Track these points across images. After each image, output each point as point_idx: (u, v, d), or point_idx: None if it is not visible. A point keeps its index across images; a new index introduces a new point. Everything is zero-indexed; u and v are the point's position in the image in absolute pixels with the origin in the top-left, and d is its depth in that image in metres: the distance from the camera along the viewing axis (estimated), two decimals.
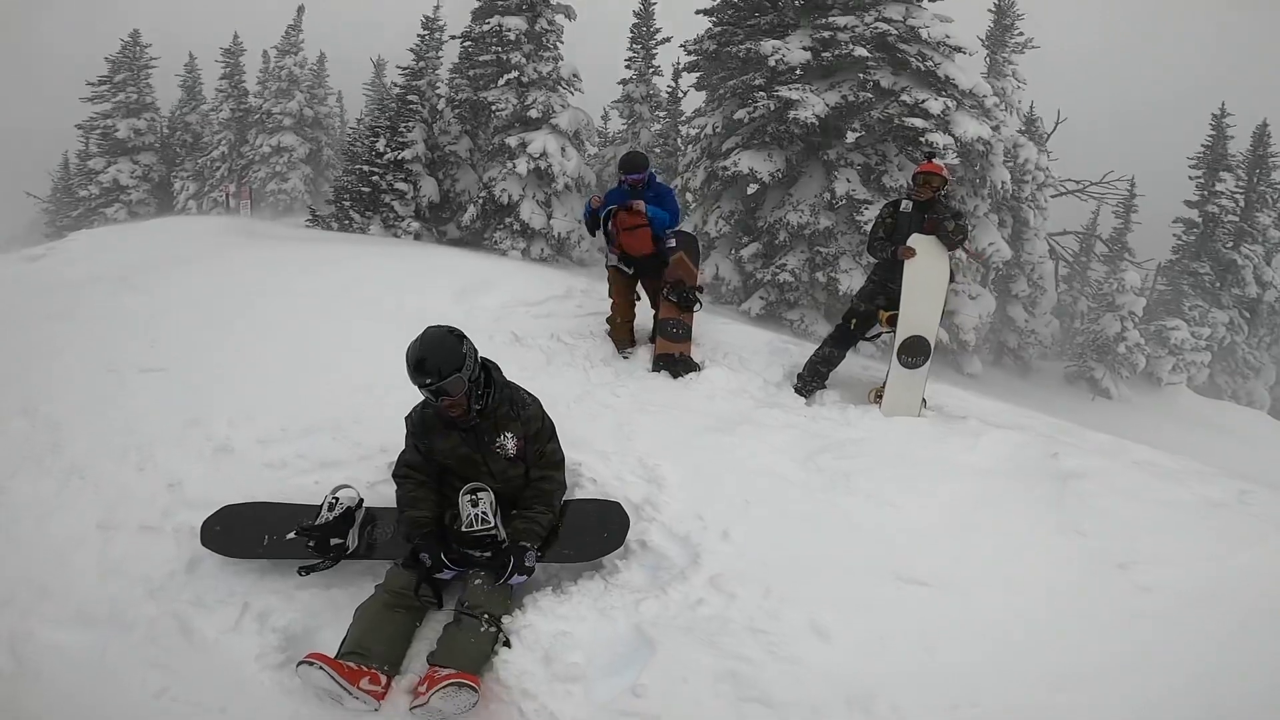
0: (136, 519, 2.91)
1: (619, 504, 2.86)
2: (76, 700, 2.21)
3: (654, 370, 4.50)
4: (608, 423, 3.80)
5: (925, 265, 4.06)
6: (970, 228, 4.07)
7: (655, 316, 4.69)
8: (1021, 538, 3.00)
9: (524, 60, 11.93)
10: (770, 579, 2.63)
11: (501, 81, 12.04)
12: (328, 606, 2.54)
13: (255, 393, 3.81)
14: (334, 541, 2.58)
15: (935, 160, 4.41)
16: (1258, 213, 15.30)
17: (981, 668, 2.33)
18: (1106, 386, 10.38)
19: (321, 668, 2.10)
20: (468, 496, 2.53)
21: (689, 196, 12.46)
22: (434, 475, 2.70)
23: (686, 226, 12.42)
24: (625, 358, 4.76)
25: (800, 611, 2.49)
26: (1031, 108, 13.86)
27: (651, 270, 4.70)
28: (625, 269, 4.68)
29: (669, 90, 16.36)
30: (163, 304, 5.11)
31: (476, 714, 2.19)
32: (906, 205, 4.22)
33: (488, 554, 2.51)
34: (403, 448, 2.73)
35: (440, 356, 2.40)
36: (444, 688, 2.11)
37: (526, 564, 2.49)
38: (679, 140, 14.92)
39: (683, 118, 15.08)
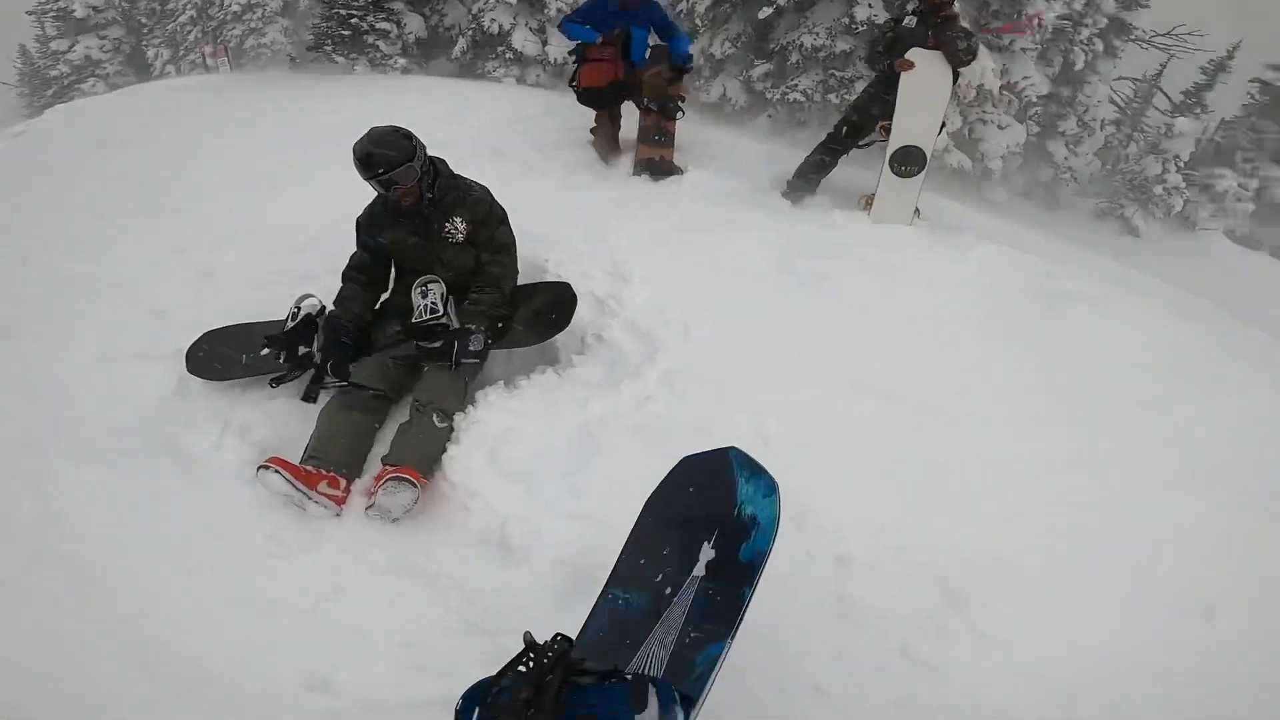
0: (131, 349, 2.92)
1: (567, 284, 2.75)
2: (89, 539, 2.20)
3: (635, 174, 4.29)
4: (581, 222, 3.58)
5: (924, 78, 3.74)
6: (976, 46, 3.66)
7: (639, 124, 4.40)
8: (995, 356, 2.83)
9: None
10: (724, 379, 2.54)
11: None
12: (298, 416, 2.51)
13: (237, 223, 3.83)
14: (301, 350, 2.52)
15: None
16: None
17: (918, 497, 2.22)
18: (1136, 224, 9.85)
19: (278, 471, 2.12)
20: (419, 289, 2.51)
21: (697, 21, 11.32)
22: (381, 275, 2.72)
23: (693, 49, 11.34)
24: (608, 164, 4.55)
25: (748, 416, 2.40)
26: None
27: (614, 97, 4.41)
28: (585, 103, 4.43)
29: None
30: (144, 160, 5.06)
31: (426, 510, 2.23)
32: (910, 20, 3.88)
33: (438, 343, 2.46)
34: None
35: (387, 150, 2.39)
36: (385, 483, 2.13)
37: (472, 347, 2.45)
38: None
39: None
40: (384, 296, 2.78)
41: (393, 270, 2.77)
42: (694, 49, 11.85)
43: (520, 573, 2.05)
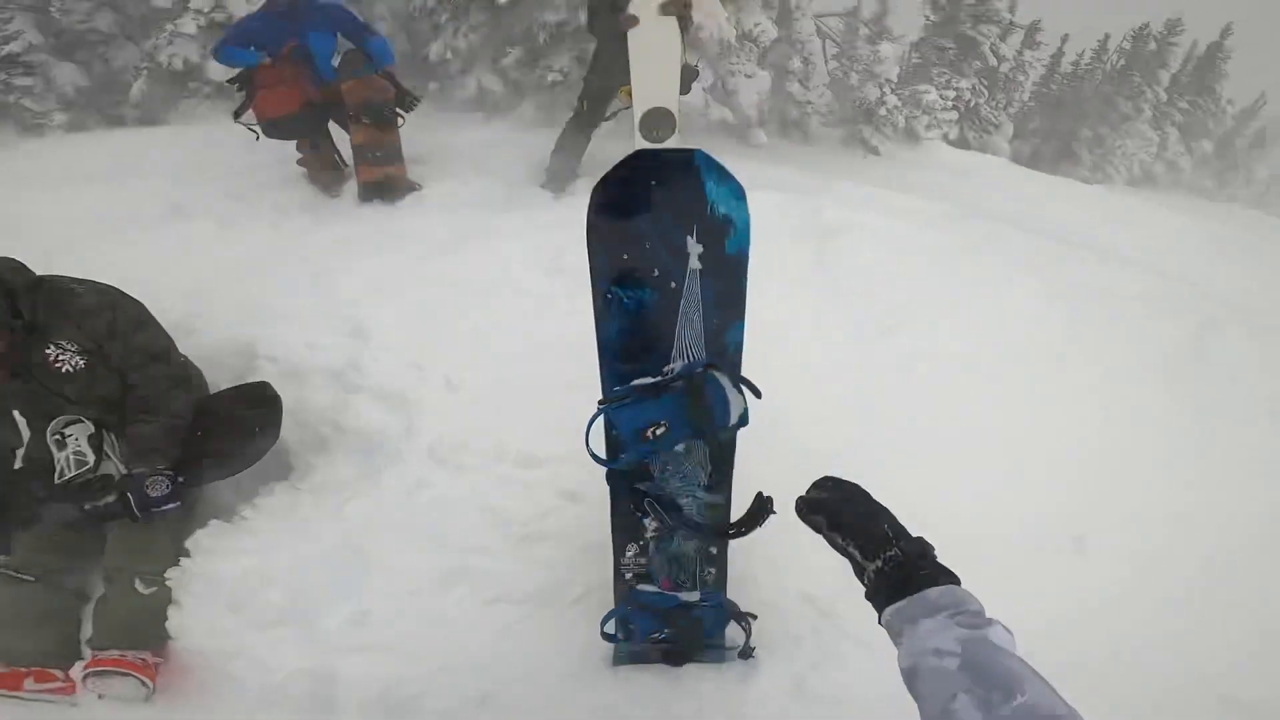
0: None
1: (265, 383, 2.14)
2: None
3: (363, 202, 3.64)
4: (302, 280, 2.93)
5: (651, 34, 3.52)
6: None
7: (351, 143, 3.70)
8: (789, 303, 2.73)
9: None
10: (504, 432, 2.10)
11: None
12: None
13: None
14: None
15: None
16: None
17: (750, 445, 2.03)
18: (875, 145, 10.99)
19: None
20: (54, 438, 1.93)
21: (433, 19, 10.51)
22: (3, 433, 2.01)
23: (437, 46, 10.63)
24: (333, 197, 3.83)
25: (542, 472, 2.02)
26: None
27: (310, 121, 3.67)
28: (276, 136, 3.64)
29: None
30: None
31: (183, 683, 1.81)
32: None
33: (110, 498, 1.91)
34: None
35: None
36: (89, 679, 1.73)
37: (153, 493, 1.89)
38: None
39: None
40: (19, 452, 2.01)
41: (17, 421, 2.00)
42: (437, 45, 11.09)
43: None
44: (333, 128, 3.83)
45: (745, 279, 1.35)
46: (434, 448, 2.07)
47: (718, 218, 1.28)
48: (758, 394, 1.37)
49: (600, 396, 1.38)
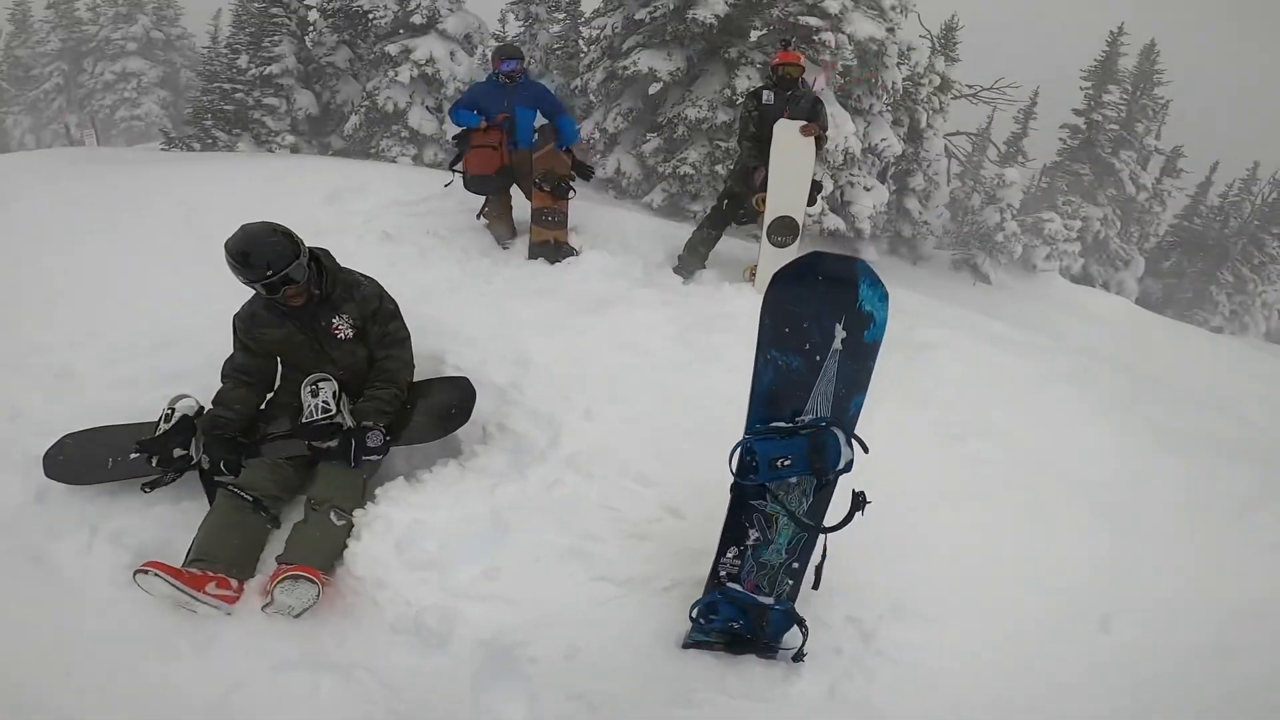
0: None
1: (465, 379, 2.75)
2: None
3: (531, 258, 4.41)
4: (479, 310, 3.65)
5: (791, 149, 4.12)
6: (829, 116, 4.27)
7: (531, 206, 4.51)
8: (877, 408, 3.14)
9: None
10: (629, 456, 2.65)
11: None
12: (180, 520, 2.37)
13: (98, 318, 3.50)
14: (177, 453, 2.41)
15: (791, 49, 4.49)
16: (1137, 123, 16.51)
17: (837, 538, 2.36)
18: (986, 272, 11.19)
19: (158, 575, 1.98)
20: (309, 388, 2.45)
21: (591, 98, 11.95)
22: (265, 375, 2.62)
23: (588, 125, 12.00)
24: (505, 248, 4.65)
25: (654, 490, 2.52)
26: (953, 18, 13.71)
27: (501, 182, 4.50)
28: (473, 190, 4.50)
29: None
30: None
31: (331, 606, 2.14)
32: (768, 96, 4.32)
33: (333, 442, 2.40)
34: None
35: (269, 249, 2.31)
36: (282, 580, 2.03)
37: (370, 444, 2.39)
38: (579, 41, 13.97)
39: (582, 19, 14.07)
40: (269, 396, 2.69)
41: (279, 369, 2.68)
42: (588, 124, 12.45)
43: (441, 658, 2.01)
44: (515, 191, 4.66)
45: (874, 362, 1.73)
46: (572, 457, 2.63)
47: (863, 313, 1.68)
48: (865, 449, 1.78)
49: (742, 435, 1.85)
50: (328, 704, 1.88)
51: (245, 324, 2.55)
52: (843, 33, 9.61)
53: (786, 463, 1.78)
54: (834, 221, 10.13)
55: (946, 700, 2.00)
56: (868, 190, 10.54)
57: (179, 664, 1.95)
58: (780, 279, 1.70)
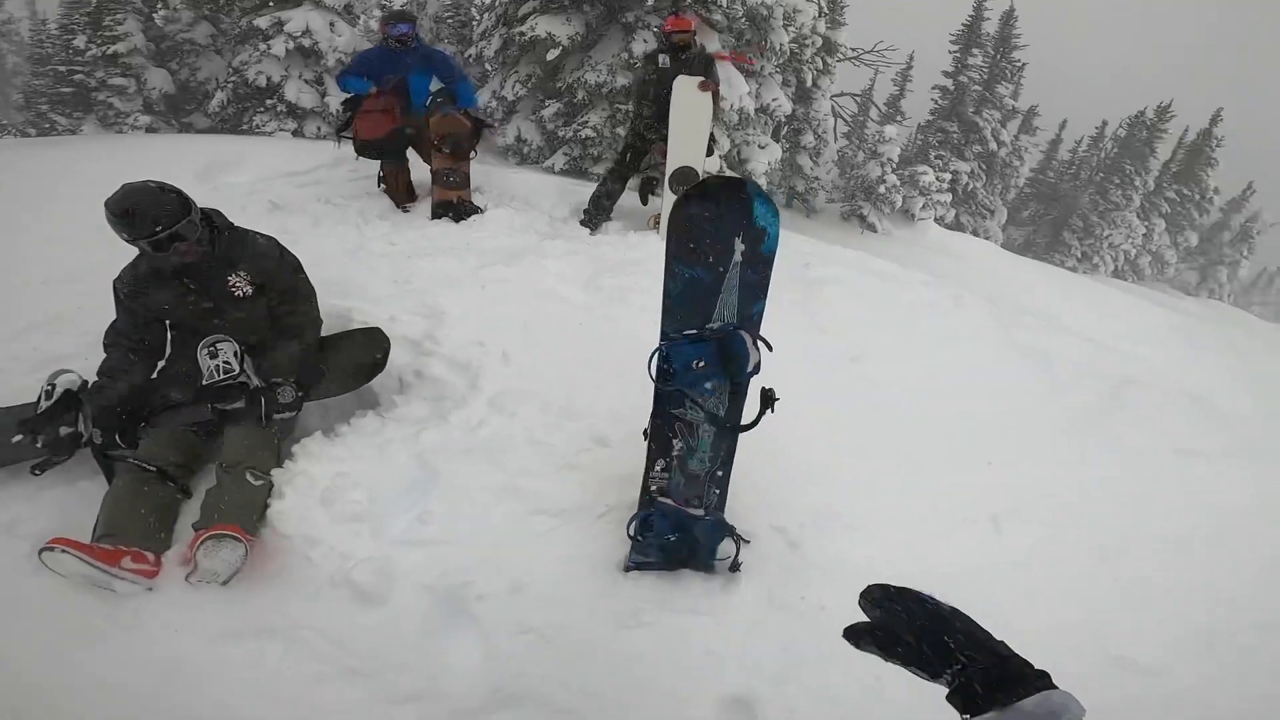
0: None
1: (378, 328, 2.71)
2: None
3: (434, 218, 4.35)
4: (384, 270, 3.58)
5: (689, 103, 4.28)
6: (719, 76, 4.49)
7: (431, 170, 4.43)
8: (778, 338, 3.37)
9: None
10: (550, 394, 2.72)
11: None
12: (79, 503, 2.21)
13: None
14: (64, 431, 2.23)
15: (682, 14, 4.69)
16: (998, 84, 17.80)
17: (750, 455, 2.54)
18: (872, 222, 11.93)
19: (67, 551, 1.85)
20: (205, 350, 2.32)
21: (487, 66, 11.54)
22: (153, 342, 2.45)
23: (484, 93, 11.62)
24: (405, 211, 4.53)
25: (579, 423, 2.60)
26: None
27: (396, 146, 4.39)
28: (366, 155, 4.36)
29: None
30: None
31: (261, 570, 2.06)
32: (664, 60, 4.45)
33: (240, 403, 2.31)
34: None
35: (156, 205, 2.17)
36: (204, 542, 1.93)
37: (282, 399, 2.32)
38: (472, 9, 13.41)
39: None
40: (160, 366, 2.52)
41: (168, 337, 2.51)
42: (485, 93, 12.02)
43: (386, 609, 2.00)
44: (412, 154, 4.58)
45: (770, 271, 1.90)
46: (493, 399, 2.66)
47: (758, 228, 1.83)
48: (769, 348, 1.94)
49: (656, 344, 1.95)
50: (276, 670, 1.82)
51: (129, 286, 2.36)
52: None
53: (701, 364, 1.91)
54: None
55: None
56: (762, 148, 10.92)
57: (106, 648, 1.83)
58: (683, 201, 1.83)
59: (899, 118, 20.24)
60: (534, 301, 3.33)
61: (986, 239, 17.35)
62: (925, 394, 3.21)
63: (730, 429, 2.08)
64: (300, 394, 2.41)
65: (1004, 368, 3.63)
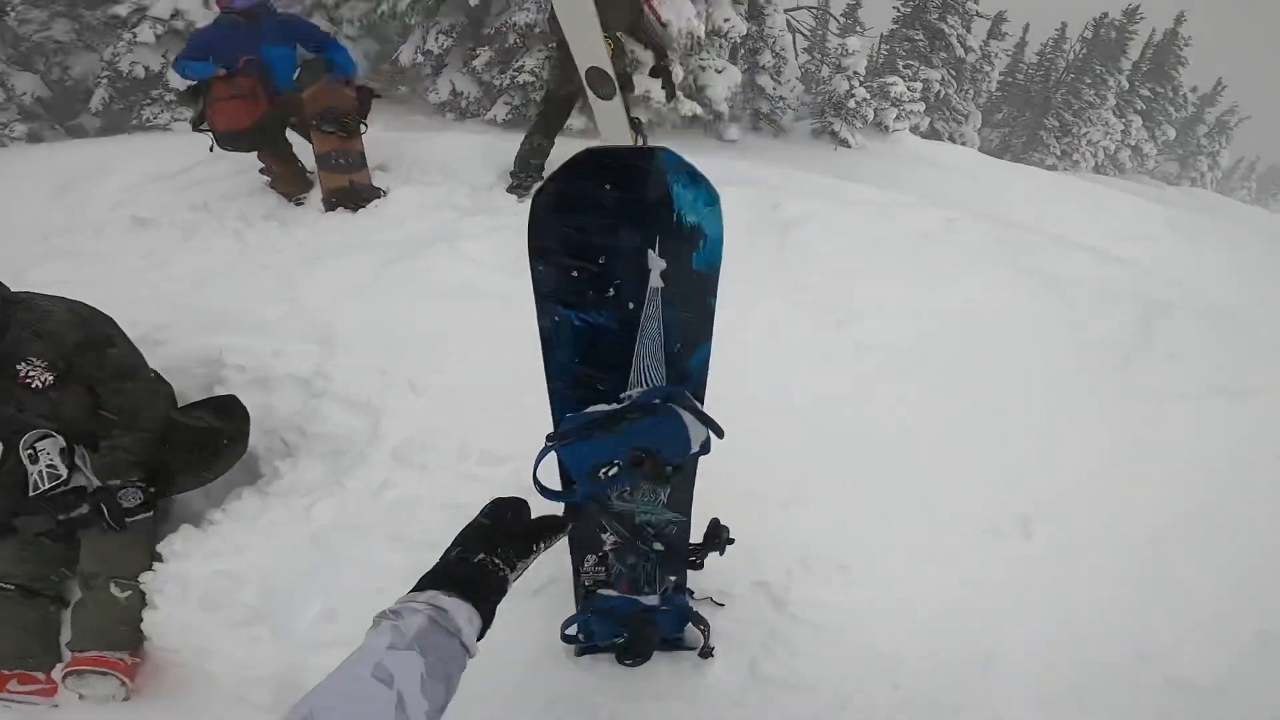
0: None
1: (233, 396, 2.21)
2: None
3: (328, 210, 3.65)
4: (267, 286, 2.96)
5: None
6: None
7: (314, 152, 3.70)
8: (752, 300, 2.82)
9: None
10: (467, 431, 2.16)
11: None
12: None
13: None
14: None
15: None
16: None
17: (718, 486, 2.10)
18: (845, 137, 11.23)
19: None
20: (27, 453, 2.01)
21: (404, 20, 10.53)
22: None
23: (408, 49, 10.65)
24: (298, 204, 3.84)
25: (504, 468, 2.07)
26: None
27: (266, 132, 3.64)
28: (228, 148, 3.61)
29: None
30: None
31: (160, 685, 1.87)
32: None
33: (83, 509, 1.98)
34: None
35: None
36: (68, 678, 1.81)
37: (126, 504, 1.98)
38: None
39: None
40: None
41: None
42: (408, 49, 11.04)
43: None
44: (297, 138, 3.85)
45: (714, 298, 1.18)
46: (398, 449, 2.12)
47: (685, 227, 1.10)
48: (720, 434, 1.23)
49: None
50: None
51: None
52: None
53: (612, 471, 1.24)
54: (690, 107, 9.65)
55: (880, 654, 1.75)
56: (719, 72, 10.11)
57: None
58: (547, 196, 1.07)
59: (859, 28, 19.32)
60: (446, 302, 2.73)
61: (963, 144, 16.70)
62: (925, 361, 2.64)
63: (679, 525, 1.50)
64: (151, 490, 2.00)
65: (1013, 304, 3.04)
